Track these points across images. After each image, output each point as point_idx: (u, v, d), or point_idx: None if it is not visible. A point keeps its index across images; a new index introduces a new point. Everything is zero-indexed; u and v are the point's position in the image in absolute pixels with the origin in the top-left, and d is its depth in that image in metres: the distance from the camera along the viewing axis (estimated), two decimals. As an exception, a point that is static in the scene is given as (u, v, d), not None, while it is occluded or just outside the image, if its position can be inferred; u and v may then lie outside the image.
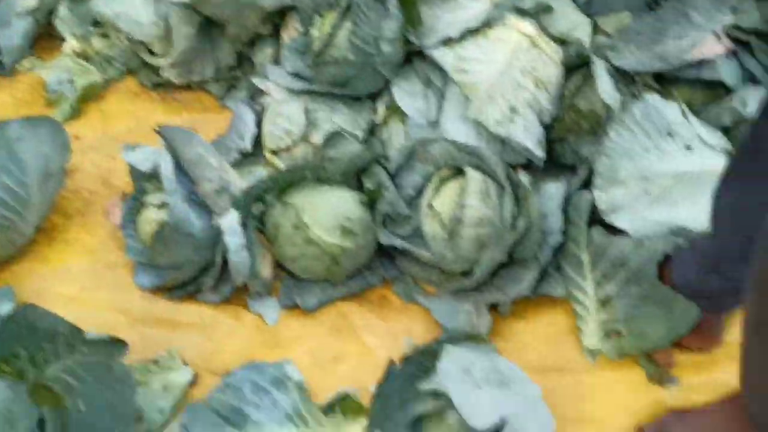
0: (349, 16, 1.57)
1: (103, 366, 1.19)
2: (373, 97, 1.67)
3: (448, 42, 1.57)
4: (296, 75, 1.70)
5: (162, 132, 1.43)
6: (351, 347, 1.41)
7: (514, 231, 1.37)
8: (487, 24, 1.55)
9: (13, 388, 1.15)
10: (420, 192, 1.50)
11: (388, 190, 1.47)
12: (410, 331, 1.43)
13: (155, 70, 1.92)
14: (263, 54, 1.84)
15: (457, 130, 1.55)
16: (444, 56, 1.56)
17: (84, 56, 1.97)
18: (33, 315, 1.17)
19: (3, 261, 1.54)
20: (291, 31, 1.78)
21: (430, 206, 1.44)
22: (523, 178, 1.47)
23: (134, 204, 1.53)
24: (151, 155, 1.49)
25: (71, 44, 1.98)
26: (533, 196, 1.42)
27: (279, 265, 1.50)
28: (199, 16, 1.79)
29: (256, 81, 1.71)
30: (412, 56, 1.64)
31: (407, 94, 1.61)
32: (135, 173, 1.53)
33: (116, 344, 1.20)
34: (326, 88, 1.62)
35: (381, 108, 1.65)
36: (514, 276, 1.42)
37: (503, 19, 1.56)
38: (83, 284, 1.48)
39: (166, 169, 1.39)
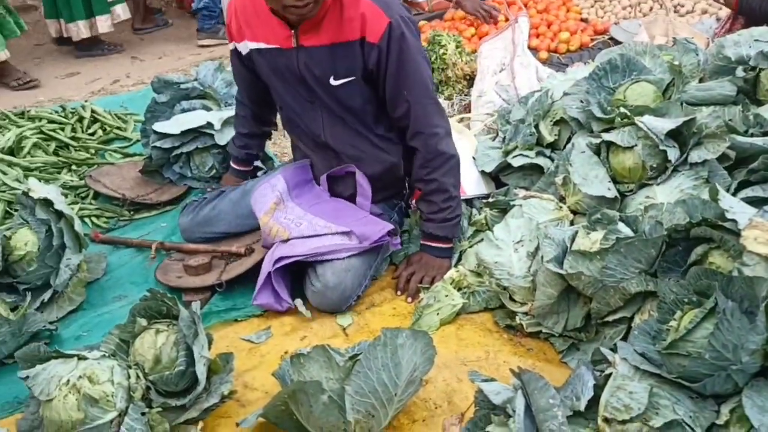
0: (711, 318, 1.68)
1: None
2: (718, 397, 1.70)
3: (812, 370, 1.57)
4: (643, 355, 1.81)
5: (522, 376, 1.63)
6: None
7: None
8: None
9: None
10: None
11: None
12: None
13: (511, 314, 2.20)
14: (613, 327, 2.01)
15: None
16: (807, 383, 1.56)
17: (457, 285, 2.33)
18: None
19: (357, 443, 1.81)
20: (645, 315, 1.94)
21: None
22: None
23: (474, 429, 1.72)
24: (503, 390, 1.69)
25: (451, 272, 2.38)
26: None
27: None
28: (565, 283, 2.05)
29: (605, 351, 1.86)
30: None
31: (758, 408, 1.61)
32: (483, 401, 1.73)
33: None
34: (675, 377, 1.70)
35: (725, 411, 1.66)
36: None
37: None
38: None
39: (519, 410, 1.57)
